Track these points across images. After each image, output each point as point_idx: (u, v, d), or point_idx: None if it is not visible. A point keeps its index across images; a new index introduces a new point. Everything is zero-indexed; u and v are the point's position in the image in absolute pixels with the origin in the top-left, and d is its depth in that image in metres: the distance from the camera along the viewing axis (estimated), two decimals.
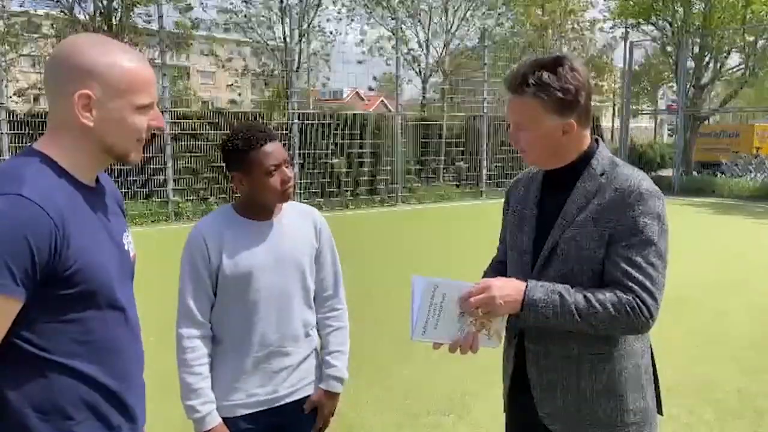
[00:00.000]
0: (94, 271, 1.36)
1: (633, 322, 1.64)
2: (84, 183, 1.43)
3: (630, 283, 1.64)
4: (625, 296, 1.64)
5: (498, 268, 2.03)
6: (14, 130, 11.66)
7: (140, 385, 1.56)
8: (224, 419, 2.02)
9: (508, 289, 1.70)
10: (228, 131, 10.92)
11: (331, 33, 22.14)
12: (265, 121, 14.44)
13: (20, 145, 11.51)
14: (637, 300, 1.63)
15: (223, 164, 2.06)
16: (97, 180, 1.50)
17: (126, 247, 1.54)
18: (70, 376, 1.37)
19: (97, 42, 1.40)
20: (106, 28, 15.02)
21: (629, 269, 1.65)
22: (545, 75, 1.66)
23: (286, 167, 2.01)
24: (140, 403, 1.56)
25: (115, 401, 1.45)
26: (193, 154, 13.40)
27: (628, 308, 1.63)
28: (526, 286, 1.70)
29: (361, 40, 22.99)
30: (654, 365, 1.87)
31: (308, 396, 2.14)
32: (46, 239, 1.27)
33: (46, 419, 1.34)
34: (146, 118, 1.44)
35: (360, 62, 23.12)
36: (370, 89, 23.17)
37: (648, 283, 1.64)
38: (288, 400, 2.10)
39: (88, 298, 1.37)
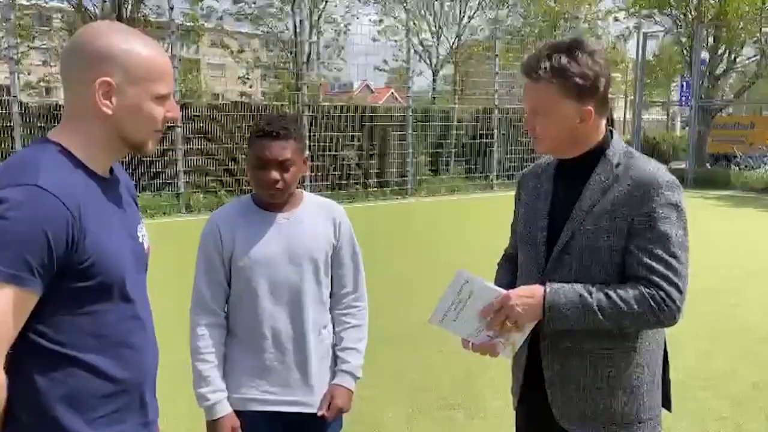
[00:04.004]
0: (109, 264, 1.35)
1: (659, 316, 1.61)
2: (99, 174, 1.41)
3: (653, 277, 1.61)
4: (648, 290, 1.61)
5: (510, 265, 2.00)
6: (26, 122, 11.70)
7: (154, 379, 1.55)
8: (238, 412, 2.00)
9: (527, 296, 1.67)
10: (237, 124, 10.82)
11: (342, 18, 21.97)
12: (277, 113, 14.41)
13: (32, 137, 11.56)
14: (662, 293, 1.60)
15: (245, 153, 2.05)
16: (111, 170, 1.49)
17: (140, 239, 1.53)
18: (85, 369, 1.35)
19: (115, 29, 1.39)
20: (116, 20, 15.05)
21: (651, 262, 1.62)
22: (563, 59, 1.62)
23: (277, 170, 1.93)
24: (154, 396, 1.55)
25: (130, 395, 1.44)
26: (203, 147, 13.40)
27: (652, 302, 1.60)
28: (545, 292, 1.67)
29: (380, 20, 22.88)
30: (666, 360, 1.84)
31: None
32: (63, 231, 1.25)
33: (61, 413, 1.33)
34: (163, 108, 1.43)
35: (375, 40, 22.96)
36: (377, 69, 22.85)
37: (672, 275, 1.61)
38: (305, 410, 2.05)
39: (104, 291, 1.36)
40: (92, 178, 1.38)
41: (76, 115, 1.38)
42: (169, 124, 1.53)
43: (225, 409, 1.98)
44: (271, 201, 2.02)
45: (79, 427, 1.35)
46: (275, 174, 1.93)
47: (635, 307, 1.61)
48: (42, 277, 1.24)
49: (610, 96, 1.75)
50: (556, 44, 1.67)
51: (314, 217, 2.08)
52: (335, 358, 2.16)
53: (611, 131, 1.78)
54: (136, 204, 1.62)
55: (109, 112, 1.35)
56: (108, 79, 1.33)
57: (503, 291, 1.69)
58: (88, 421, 1.36)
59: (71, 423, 1.34)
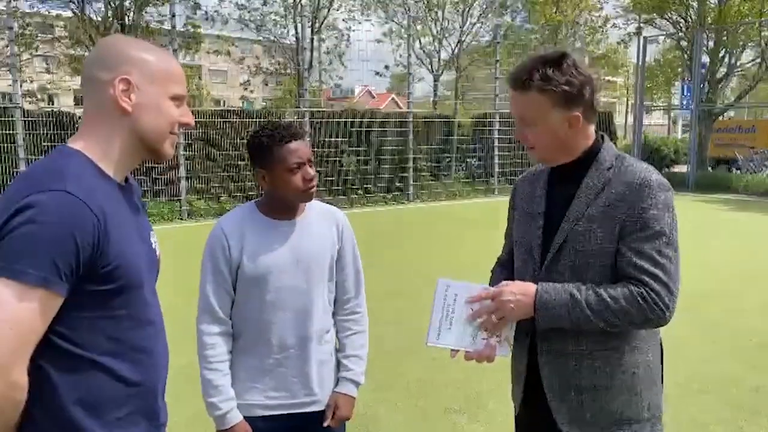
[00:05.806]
0: (130, 268, 1.39)
1: (648, 314, 1.63)
2: (116, 181, 1.45)
3: (642, 276, 1.64)
4: (638, 289, 1.63)
5: (504, 269, 2.02)
6: (29, 129, 11.75)
7: (165, 382, 1.57)
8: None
9: (520, 293, 1.70)
10: (238, 130, 10.77)
11: (345, 27, 21.95)
12: (280, 118, 14.45)
13: (35, 144, 11.61)
14: (651, 292, 1.62)
15: (247, 160, 2.05)
16: (126, 179, 1.52)
17: (153, 245, 1.56)
18: (102, 372, 1.38)
19: (131, 39, 1.48)
20: (118, 27, 15.10)
21: (641, 262, 1.64)
22: (549, 70, 1.66)
23: (310, 166, 1.99)
24: (164, 400, 1.57)
25: (144, 398, 1.47)
26: (205, 153, 13.43)
27: (641, 301, 1.63)
28: (537, 289, 1.69)
29: (382, 25, 22.85)
30: (662, 362, 1.86)
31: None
32: (90, 235, 1.29)
33: (78, 414, 1.35)
34: (178, 111, 1.48)
35: (379, 41, 22.87)
36: (377, 74, 22.73)
37: (661, 274, 1.64)
38: (308, 410, 2.08)
39: (123, 295, 1.39)
40: (111, 185, 1.42)
41: (95, 121, 1.42)
42: (183, 130, 1.58)
43: (237, 417, 1.99)
44: (307, 201, 2.05)
45: (95, 429, 1.37)
46: (312, 170, 2.00)
47: (624, 305, 1.63)
48: (69, 280, 1.27)
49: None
50: (543, 56, 1.71)
51: (319, 223, 2.10)
52: (338, 363, 2.17)
53: (602, 136, 1.81)
54: (145, 211, 1.65)
55: (129, 108, 1.40)
56: (127, 77, 1.39)
57: (487, 286, 1.72)
58: (103, 423, 1.38)
59: (87, 425, 1.36)
